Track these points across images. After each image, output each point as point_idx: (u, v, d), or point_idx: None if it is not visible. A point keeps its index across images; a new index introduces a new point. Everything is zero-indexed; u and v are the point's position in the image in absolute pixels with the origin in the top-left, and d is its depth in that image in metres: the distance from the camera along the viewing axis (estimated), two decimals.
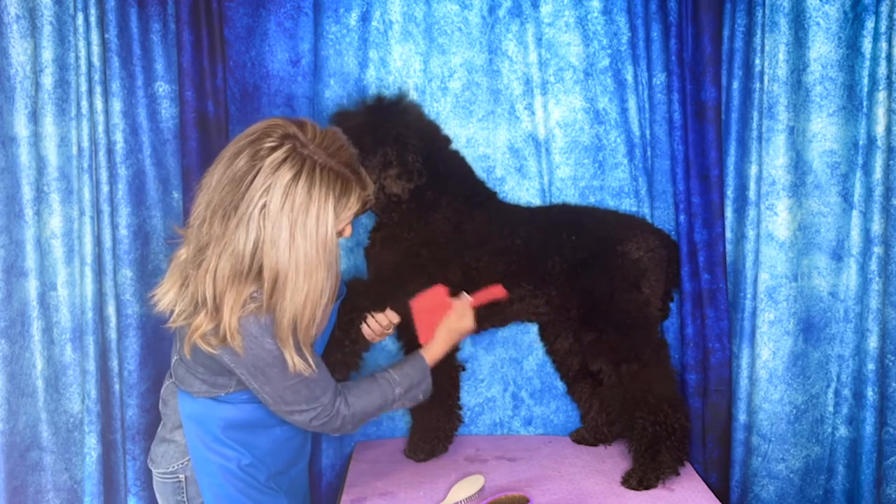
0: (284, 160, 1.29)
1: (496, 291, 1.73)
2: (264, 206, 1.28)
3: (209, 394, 1.47)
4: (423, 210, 1.77)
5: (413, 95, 1.97)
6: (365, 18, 1.95)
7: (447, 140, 1.84)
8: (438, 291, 1.70)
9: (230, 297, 1.31)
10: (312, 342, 1.40)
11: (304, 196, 1.29)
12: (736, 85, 1.83)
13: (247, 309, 1.33)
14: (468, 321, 1.70)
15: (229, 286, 1.31)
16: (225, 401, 1.47)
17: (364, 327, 1.70)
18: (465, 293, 1.71)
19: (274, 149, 1.29)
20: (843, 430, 1.89)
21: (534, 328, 2.06)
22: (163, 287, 1.40)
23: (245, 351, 1.35)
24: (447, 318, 1.68)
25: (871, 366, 1.79)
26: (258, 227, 1.28)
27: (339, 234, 1.42)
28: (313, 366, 1.39)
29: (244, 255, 1.29)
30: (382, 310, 1.71)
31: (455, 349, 1.95)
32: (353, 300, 1.69)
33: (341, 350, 1.70)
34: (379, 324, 1.70)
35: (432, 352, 1.65)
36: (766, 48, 1.75)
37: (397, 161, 1.68)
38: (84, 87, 1.72)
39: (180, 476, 1.50)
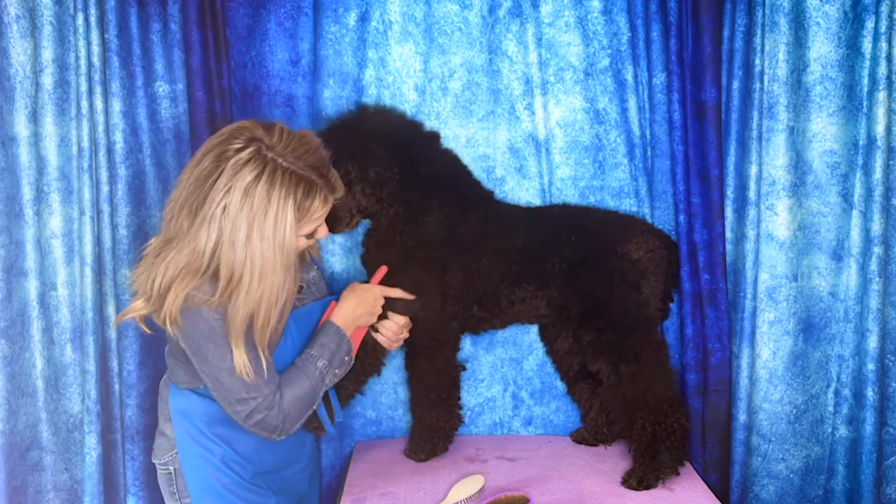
0: (247, 162, 1.31)
1: (381, 270, 1.76)
2: (225, 207, 1.30)
3: (191, 385, 1.49)
4: (412, 214, 1.77)
5: (413, 95, 1.97)
6: (364, 18, 1.95)
7: (432, 139, 1.84)
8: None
9: (178, 287, 1.33)
10: (265, 343, 1.40)
11: (262, 198, 1.31)
12: (736, 85, 1.83)
13: (196, 300, 1.35)
14: (373, 291, 1.67)
15: (180, 278, 1.33)
16: (206, 395, 1.49)
17: (378, 336, 1.72)
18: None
19: (239, 150, 1.32)
20: (843, 430, 1.89)
21: (534, 328, 2.06)
22: (137, 270, 1.43)
23: (185, 325, 1.37)
24: (355, 284, 1.69)
25: (871, 366, 1.79)
26: (219, 227, 1.31)
27: (311, 235, 1.44)
28: (264, 372, 1.40)
29: (204, 253, 1.32)
30: (385, 316, 1.71)
31: (455, 349, 1.95)
32: None
33: (361, 363, 1.71)
34: (389, 329, 1.71)
35: (338, 313, 1.59)
36: (766, 48, 1.75)
37: (358, 177, 1.69)
38: (84, 87, 1.72)
39: (170, 468, 1.53)
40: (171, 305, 1.34)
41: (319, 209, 1.39)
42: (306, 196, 1.35)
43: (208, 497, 1.49)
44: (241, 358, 1.36)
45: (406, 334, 1.74)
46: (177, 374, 1.51)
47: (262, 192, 1.31)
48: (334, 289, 1.86)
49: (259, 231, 1.31)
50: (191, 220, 1.32)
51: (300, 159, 1.35)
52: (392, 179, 1.74)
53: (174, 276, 1.33)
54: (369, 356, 1.75)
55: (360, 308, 1.62)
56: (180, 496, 1.53)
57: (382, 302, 1.68)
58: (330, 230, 1.60)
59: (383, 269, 1.76)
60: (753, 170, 1.81)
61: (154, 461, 1.57)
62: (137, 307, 1.39)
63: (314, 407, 1.52)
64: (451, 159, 1.87)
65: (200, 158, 1.34)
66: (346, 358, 1.56)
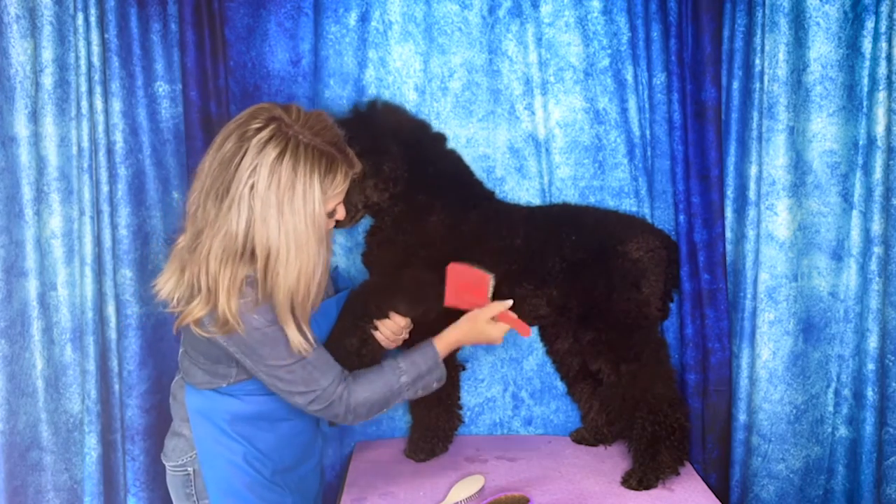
0: (269, 139, 1.33)
1: (523, 329, 1.66)
2: (253, 185, 1.32)
3: (211, 385, 1.48)
4: (416, 213, 1.77)
5: (413, 95, 1.97)
6: (364, 18, 1.95)
7: (438, 139, 1.84)
8: (484, 277, 1.64)
9: (224, 278, 1.34)
10: (308, 318, 1.43)
11: (289, 173, 1.33)
12: (736, 85, 1.83)
13: (245, 296, 1.35)
14: (497, 331, 1.64)
15: (223, 268, 1.34)
16: (228, 393, 1.48)
17: (377, 334, 1.71)
18: (509, 301, 1.65)
19: (259, 129, 1.34)
20: (843, 430, 1.89)
21: (534, 328, 2.06)
22: (163, 276, 1.43)
23: (237, 332, 1.37)
24: (479, 311, 1.63)
25: (871, 366, 1.79)
26: (248, 207, 1.32)
27: (331, 214, 1.45)
28: (313, 343, 1.42)
29: (237, 236, 1.33)
30: (386, 315, 1.71)
31: (455, 349, 1.95)
32: (360, 306, 1.69)
33: (359, 358, 1.70)
34: (389, 329, 1.70)
35: (447, 339, 1.62)
36: (766, 48, 1.75)
37: (372, 171, 1.68)
38: (84, 87, 1.72)
39: (188, 469, 1.52)
40: (225, 301, 1.34)
41: (341, 183, 1.41)
42: (328, 170, 1.37)
43: (228, 498, 1.49)
44: (295, 336, 1.39)
45: (406, 335, 1.74)
46: (194, 376, 1.50)
47: (288, 167, 1.33)
48: (337, 287, 1.86)
49: (290, 205, 1.33)
50: (218, 205, 1.33)
51: (318, 136, 1.37)
52: (403, 177, 1.73)
53: (217, 266, 1.34)
54: (367, 355, 1.74)
55: (469, 337, 1.64)
56: (198, 497, 1.52)
57: (499, 335, 1.64)
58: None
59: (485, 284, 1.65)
60: (753, 170, 1.81)
61: (167, 463, 1.55)
62: (195, 310, 1.37)
63: (385, 410, 1.55)
64: (456, 160, 1.87)
65: (221, 143, 1.35)
66: (435, 384, 1.60)
